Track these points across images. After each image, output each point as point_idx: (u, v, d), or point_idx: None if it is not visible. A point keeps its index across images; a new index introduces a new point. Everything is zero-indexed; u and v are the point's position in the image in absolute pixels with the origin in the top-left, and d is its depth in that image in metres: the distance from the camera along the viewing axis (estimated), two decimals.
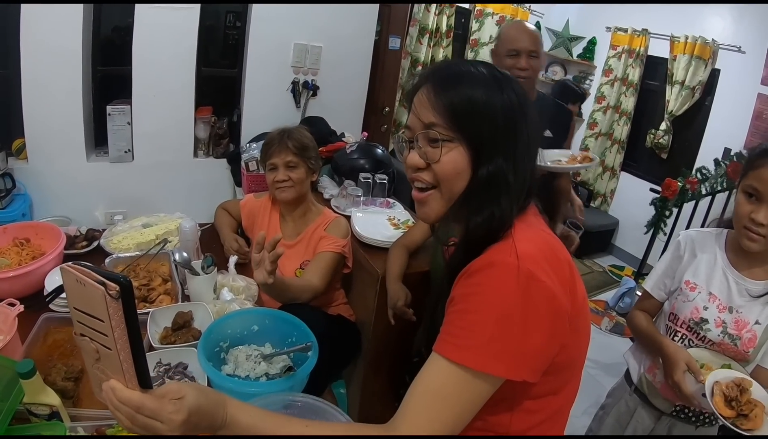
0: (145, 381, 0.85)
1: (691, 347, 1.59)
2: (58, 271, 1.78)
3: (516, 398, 0.95)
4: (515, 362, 0.84)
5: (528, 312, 0.83)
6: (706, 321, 1.56)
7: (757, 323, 1.51)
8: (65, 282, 0.85)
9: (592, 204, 5.88)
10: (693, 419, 1.70)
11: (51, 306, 1.67)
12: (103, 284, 0.78)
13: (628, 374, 1.87)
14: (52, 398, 1.19)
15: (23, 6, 2.59)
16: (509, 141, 0.92)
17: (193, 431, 0.83)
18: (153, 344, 1.53)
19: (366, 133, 3.45)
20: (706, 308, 1.57)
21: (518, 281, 0.82)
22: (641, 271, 4.50)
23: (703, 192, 3.98)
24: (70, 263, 0.85)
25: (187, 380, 1.45)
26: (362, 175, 2.74)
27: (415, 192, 1.00)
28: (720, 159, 3.98)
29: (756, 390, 1.40)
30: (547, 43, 5.97)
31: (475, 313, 0.85)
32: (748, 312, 1.52)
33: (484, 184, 0.91)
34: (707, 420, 1.68)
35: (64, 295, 0.83)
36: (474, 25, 5.44)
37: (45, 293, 1.69)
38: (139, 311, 0.83)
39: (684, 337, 1.63)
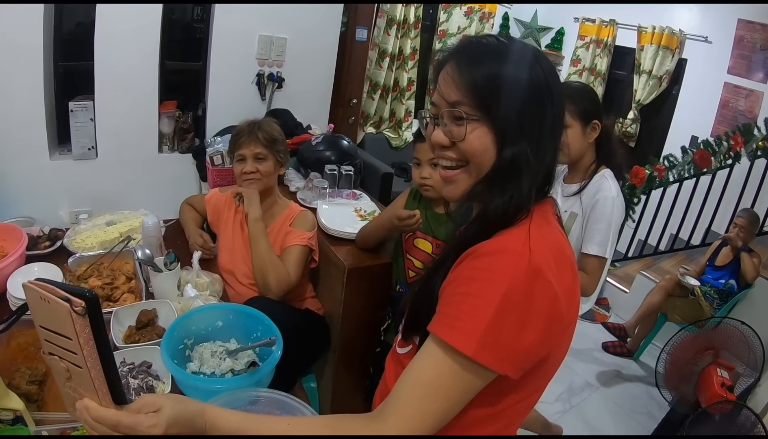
0: (119, 397, 0.83)
1: None
2: (20, 273, 1.76)
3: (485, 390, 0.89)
4: (503, 354, 0.82)
5: (528, 308, 0.81)
6: None
7: (565, 211, 2.01)
8: (29, 300, 0.82)
9: None
10: None
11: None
12: (67, 300, 0.76)
13: None
14: (16, 403, 1.19)
15: None
16: (534, 122, 0.88)
17: None
18: (117, 344, 1.51)
19: (332, 125, 3.44)
20: None
21: (527, 273, 0.80)
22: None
23: (671, 179, 4.05)
24: (32, 280, 0.82)
25: (150, 378, 1.45)
26: (328, 167, 2.73)
27: (441, 171, 0.96)
28: (687, 147, 4.05)
29: None
30: (515, 34, 6.01)
31: (478, 297, 0.82)
32: (562, 205, 1.99)
33: (507, 165, 0.88)
34: None
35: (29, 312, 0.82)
36: (442, 16, 5.46)
37: (8, 295, 1.67)
38: (102, 311, 0.82)
39: None
